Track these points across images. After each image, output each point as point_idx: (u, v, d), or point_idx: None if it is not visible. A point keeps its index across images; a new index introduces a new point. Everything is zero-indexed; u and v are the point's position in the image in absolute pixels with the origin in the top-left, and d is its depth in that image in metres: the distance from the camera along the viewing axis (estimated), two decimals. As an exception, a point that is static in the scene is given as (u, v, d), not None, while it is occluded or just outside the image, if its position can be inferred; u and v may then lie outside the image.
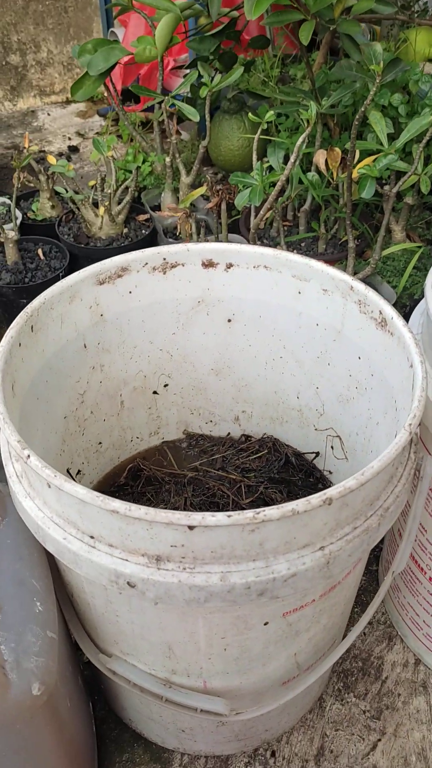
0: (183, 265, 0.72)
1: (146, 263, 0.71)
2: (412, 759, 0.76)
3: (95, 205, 1.35)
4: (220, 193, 1.13)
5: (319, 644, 0.65)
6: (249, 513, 0.45)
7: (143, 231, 1.36)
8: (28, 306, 0.62)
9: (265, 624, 0.57)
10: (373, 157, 1.05)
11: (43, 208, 1.44)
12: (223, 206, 1.16)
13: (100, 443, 0.80)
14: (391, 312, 0.62)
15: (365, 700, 0.81)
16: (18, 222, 1.31)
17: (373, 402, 0.68)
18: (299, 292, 0.71)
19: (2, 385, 0.53)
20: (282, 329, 0.75)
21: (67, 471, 0.75)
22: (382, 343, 0.64)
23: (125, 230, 1.35)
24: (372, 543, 0.53)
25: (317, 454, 0.82)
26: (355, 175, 1.05)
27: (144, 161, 1.44)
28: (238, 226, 1.30)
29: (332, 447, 0.79)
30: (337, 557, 0.50)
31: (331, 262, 1.21)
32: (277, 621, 0.57)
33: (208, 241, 1.25)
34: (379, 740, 0.78)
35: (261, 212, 1.01)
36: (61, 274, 1.27)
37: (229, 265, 0.73)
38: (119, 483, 0.81)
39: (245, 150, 1.40)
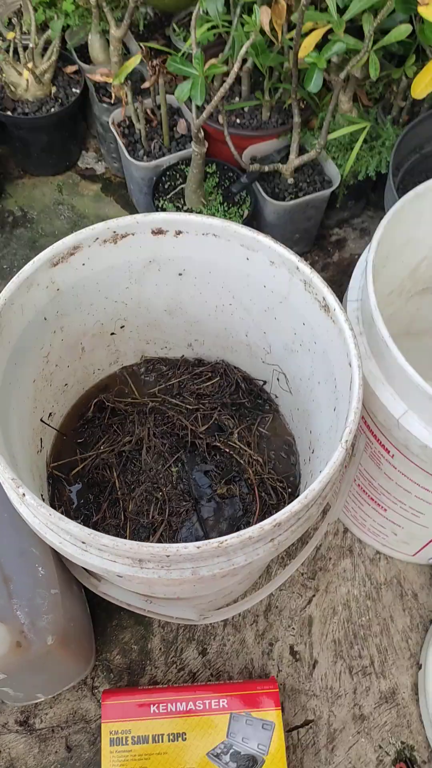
0: (133, 235, 0.73)
1: (97, 238, 0.71)
2: (339, 608, 0.98)
3: (15, 53, 1.21)
4: (157, 69, 1.05)
5: (263, 564, 0.81)
6: (213, 543, 0.55)
7: (74, 89, 1.26)
8: (-11, 312, 0.64)
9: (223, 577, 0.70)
10: (319, 33, 0.98)
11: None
12: (161, 82, 1.08)
13: (66, 385, 0.86)
14: (334, 303, 0.66)
15: (303, 564, 1.01)
16: None
17: (316, 364, 0.75)
18: (247, 259, 0.74)
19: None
20: (231, 284, 0.79)
21: (41, 420, 0.82)
22: (324, 324, 0.70)
23: (53, 89, 1.24)
24: (312, 523, 0.65)
25: (265, 382, 0.90)
26: (301, 56, 0.98)
27: (64, -5, 1.27)
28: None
29: (278, 379, 0.87)
30: (284, 543, 0.62)
31: (275, 134, 1.17)
32: (228, 577, 0.71)
33: (146, 109, 1.17)
34: (314, 596, 0.99)
35: (203, 115, 0.96)
36: (-9, 151, 1.19)
37: (178, 232, 0.74)
38: (87, 417, 0.89)
39: (180, -10, 1.25)
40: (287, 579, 0.98)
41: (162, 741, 0.85)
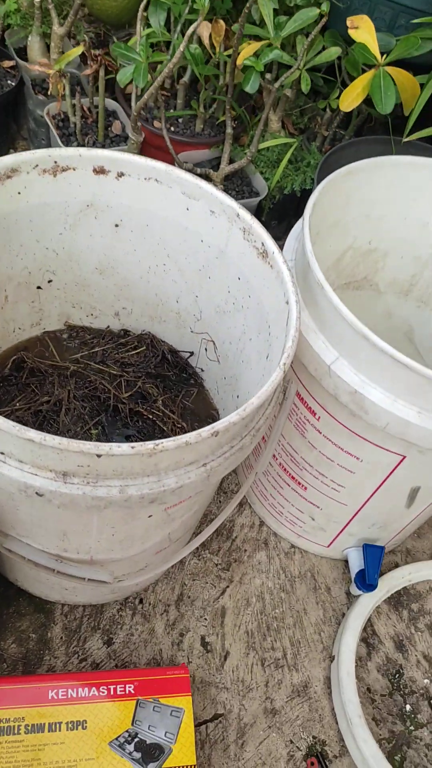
0: (74, 170, 0.72)
1: (36, 165, 0.70)
2: (253, 600, 0.94)
3: None
4: (98, 59, 1.07)
5: (188, 523, 0.77)
6: (149, 444, 0.52)
7: (9, 81, 1.26)
8: None
9: (149, 516, 0.67)
10: (257, 45, 1.04)
11: None
12: (101, 73, 1.11)
13: (-17, 336, 0.82)
14: (273, 247, 0.68)
15: (218, 555, 0.97)
16: None
17: (248, 320, 0.76)
18: (187, 209, 0.75)
19: None
20: (167, 240, 0.79)
21: None
22: (261, 271, 0.71)
23: (-11, 80, 1.24)
24: (244, 456, 0.63)
25: (192, 353, 0.89)
26: (239, 62, 1.04)
27: (8, -5, 1.29)
28: (112, 87, 1.24)
29: (206, 349, 0.87)
30: (216, 470, 0.60)
31: (207, 144, 1.22)
32: (159, 514, 0.67)
33: (82, 105, 1.19)
34: (228, 587, 0.95)
35: (144, 96, 0.98)
36: None
37: (120, 174, 0.74)
38: (3, 374, 0.84)
39: (125, 2, 1.30)
40: (201, 562, 0.94)
41: (59, 729, 0.77)
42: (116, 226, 0.79)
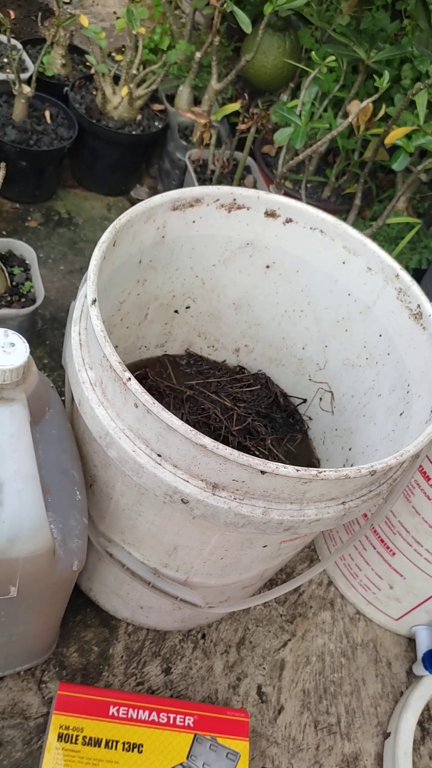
0: (248, 209, 0.76)
1: (218, 199, 0.74)
2: (313, 659, 0.93)
3: (115, 80, 1.30)
4: (255, 117, 1.14)
5: (284, 562, 0.78)
6: (313, 470, 0.54)
7: (156, 123, 1.34)
8: (116, 222, 0.65)
9: (264, 546, 0.68)
10: (406, 129, 1.10)
11: (54, 62, 1.37)
12: (253, 129, 1.17)
13: (116, 346, 0.85)
14: (430, 309, 0.71)
15: (284, 606, 0.97)
16: (33, 77, 1.23)
17: (381, 376, 0.78)
18: (343, 263, 0.78)
19: (99, 306, 0.57)
20: (312, 288, 0.82)
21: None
22: (410, 332, 0.73)
23: (139, 117, 1.32)
24: (377, 502, 0.64)
25: (304, 400, 0.92)
26: (388, 141, 1.09)
27: (170, 46, 1.39)
28: (251, 152, 1.31)
29: (321, 398, 0.89)
30: (352, 510, 0.61)
31: (333, 211, 1.27)
32: (273, 545, 0.68)
33: (222, 155, 1.25)
34: (290, 640, 0.94)
35: (299, 157, 1.04)
36: (67, 146, 1.24)
37: (288, 220, 0.78)
38: (126, 386, 0.87)
39: (278, 71, 1.39)
40: (267, 611, 0.94)
41: (116, 748, 0.76)
42: (267, 267, 0.83)
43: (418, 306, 0.72)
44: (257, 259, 0.82)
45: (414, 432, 0.65)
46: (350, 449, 0.82)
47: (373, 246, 0.75)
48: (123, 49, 1.42)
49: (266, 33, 1.35)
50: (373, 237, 1.26)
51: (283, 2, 1.13)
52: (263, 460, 0.53)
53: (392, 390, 0.75)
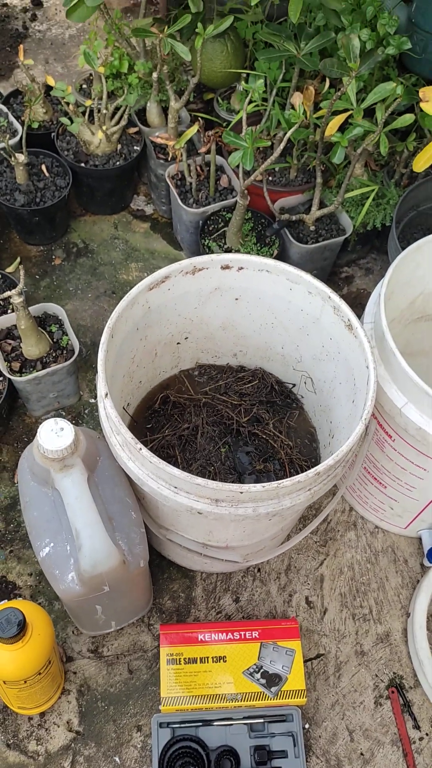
0: (207, 269, 0.99)
1: (182, 270, 0.97)
2: (345, 569, 1.22)
3: (90, 116, 1.47)
4: (210, 138, 1.32)
5: (295, 517, 1.05)
6: (274, 484, 0.80)
7: (135, 147, 1.52)
8: (110, 321, 0.90)
9: (269, 519, 0.95)
10: (341, 117, 1.25)
11: (36, 113, 1.55)
12: (213, 147, 1.35)
13: (140, 382, 1.12)
14: (356, 323, 0.92)
15: (317, 535, 1.25)
16: (23, 139, 1.41)
17: (338, 369, 1.01)
18: (290, 289, 1.00)
19: (114, 402, 0.84)
20: (275, 308, 1.05)
21: (123, 408, 1.07)
22: (347, 338, 0.95)
23: (119, 147, 1.51)
24: (337, 479, 0.90)
25: (294, 385, 1.16)
26: (327, 135, 1.25)
27: (130, 67, 1.54)
28: (220, 150, 1.48)
29: (305, 383, 1.13)
30: (318, 492, 0.87)
31: (300, 191, 1.45)
32: (277, 516, 0.95)
33: (197, 166, 1.44)
34: (325, 559, 1.23)
35: (251, 178, 1.22)
36: (66, 194, 1.45)
37: (240, 268, 1.00)
38: (155, 409, 1.14)
39: (227, 72, 1.52)
40: (303, 540, 1.23)
41: (207, 662, 1.08)
42: (236, 299, 1.05)
43: (348, 320, 0.93)
44: (227, 296, 1.05)
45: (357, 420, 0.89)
46: (331, 422, 1.07)
47: (308, 277, 0.96)
48: (91, 78, 1.59)
49: (207, 42, 1.48)
50: (342, 206, 1.43)
51: (211, 31, 1.28)
52: (240, 485, 0.80)
53: (346, 380, 0.98)
